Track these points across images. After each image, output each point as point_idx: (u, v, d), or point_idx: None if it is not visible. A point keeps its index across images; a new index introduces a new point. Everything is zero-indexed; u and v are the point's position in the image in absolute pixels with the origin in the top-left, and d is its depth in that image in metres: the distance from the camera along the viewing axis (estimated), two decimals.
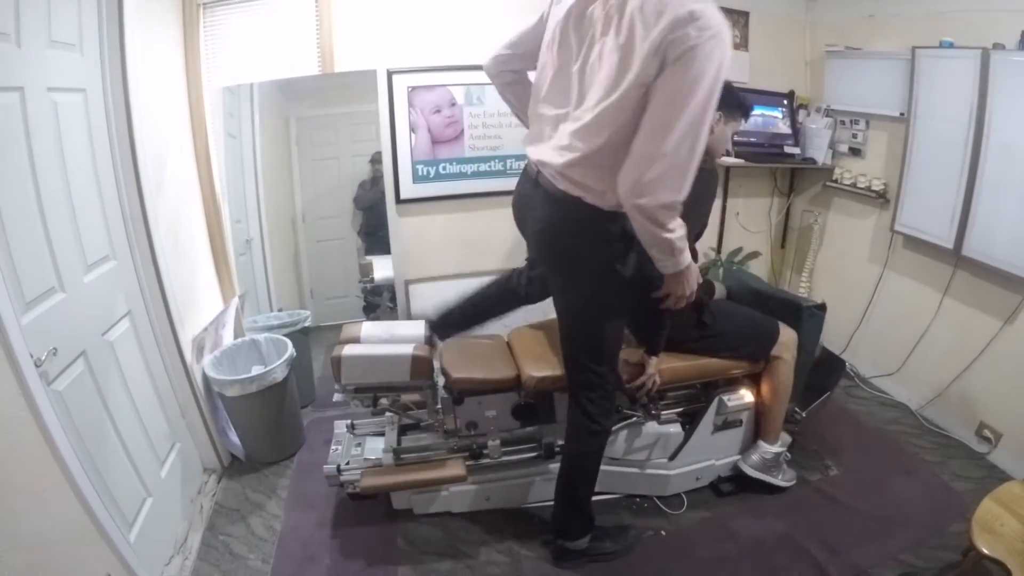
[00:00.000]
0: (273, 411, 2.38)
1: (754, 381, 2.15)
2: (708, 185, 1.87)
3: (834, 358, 2.46)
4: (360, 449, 2.13)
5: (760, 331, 2.04)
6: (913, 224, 2.68)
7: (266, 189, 3.23)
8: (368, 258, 3.34)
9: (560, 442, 2.08)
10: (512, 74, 1.77)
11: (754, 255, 3.30)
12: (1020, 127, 2.19)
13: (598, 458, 1.86)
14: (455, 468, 1.98)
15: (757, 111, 3.12)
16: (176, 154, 2.34)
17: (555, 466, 2.11)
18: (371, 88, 2.63)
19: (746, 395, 2.14)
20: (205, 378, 2.30)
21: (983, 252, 2.36)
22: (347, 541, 2.05)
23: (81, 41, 1.75)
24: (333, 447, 2.13)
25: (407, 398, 2.05)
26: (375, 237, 3.30)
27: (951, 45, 2.40)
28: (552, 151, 1.50)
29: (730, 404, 2.11)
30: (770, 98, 3.19)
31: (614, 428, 2.09)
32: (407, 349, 1.88)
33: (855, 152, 3.05)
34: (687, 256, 1.51)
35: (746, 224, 3.43)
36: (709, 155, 1.94)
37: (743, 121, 2.00)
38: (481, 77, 2.69)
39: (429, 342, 2.03)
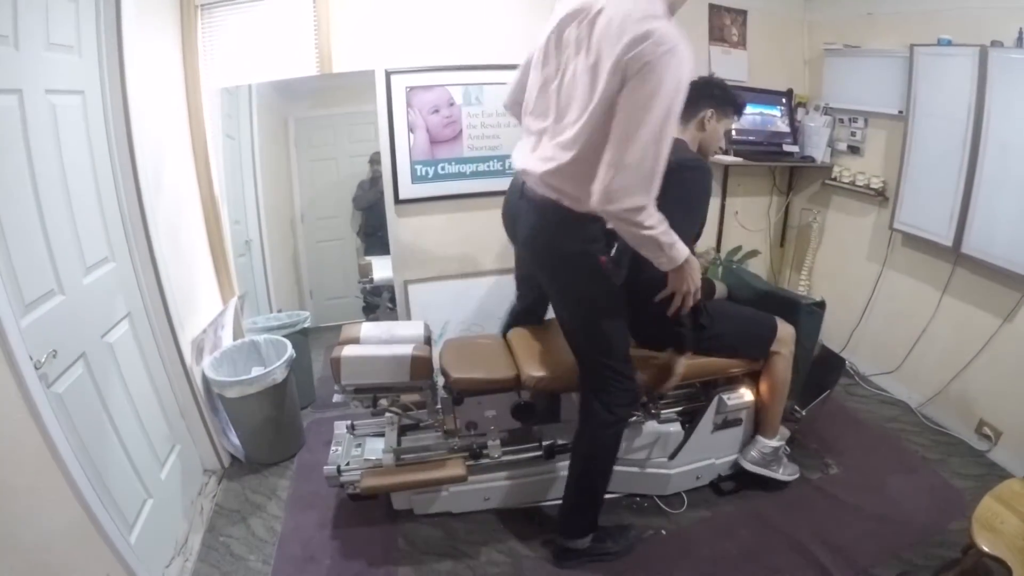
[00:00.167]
0: (273, 412, 2.38)
1: (753, 379, 2.15)
2: (703, 184, 1.87)
3: (834, 356, 2.46)
4: (360, 450, 2.13)
5: (758, 329, 2.04)
6: (912, 222, 2.68)
7: (265, 190, 3.23)
8: (367, 258, 3.34)
9: (561, 441, 2.09)
10: (520, 106, 1.86)
11: (753, 254, 3.30)
12: (1018, 124, 2.19)
13: (614, 452, 1.85)
14: (455, 468, 1.98)
15: (756, 110, 3.14)
16: (175, 155, 2.34)
17: (555, 465, 2.12)
18: (369, 88, 2.63)
19: (746, 394, 2.14)
20: (205, 379, 2.30)
21: (982, 250, 2.36)
22: (347, 542, 2.05)
23: (79, 43, 1.75)
24: (333, 448, 2.13)
25: (407, 398, 2.05)
26: (374, 237, 3.30)
27: (949, 43, 2.40)
28: (536, 161, 1.61)
29: (730, 403, 2.11)
30: (768, 96, 3.19)
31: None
32: (407, 349, 1.88)
33: (854, 150, 3.05)
34: (681, 248, 1.54)
35: (745, 223, 3.44)
36: (703, 153, 1.96)
37: (736, 118, 2.01)
38: (479, 77, 2.73)
39: (428, 342, 2.04)
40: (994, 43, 2.22)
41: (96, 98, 1.84)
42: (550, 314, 2.02)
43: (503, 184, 1.94)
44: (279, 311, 3.17)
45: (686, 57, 1.32)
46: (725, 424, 2.15)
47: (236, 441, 2.46)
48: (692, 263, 1.60)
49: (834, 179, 3.11)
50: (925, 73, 2.51)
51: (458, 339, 2.32)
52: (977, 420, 2.47)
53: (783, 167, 3.37)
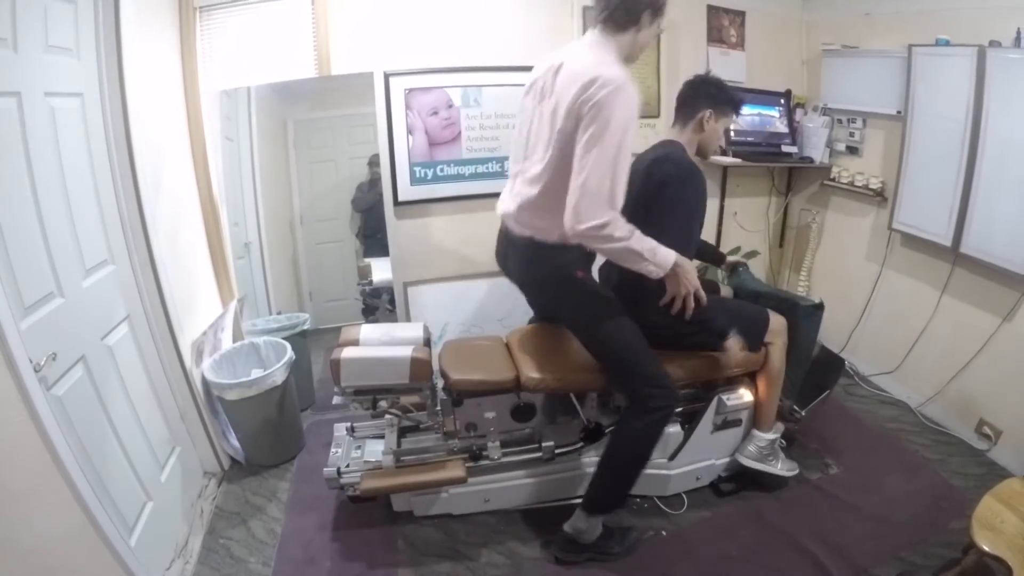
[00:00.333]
0: (273, 414, 2.38)
1: (752, 380, 2.15)
2: (696, 192, 1.88)
3: (833, 356, 2.46)
4: (360, 451, 2.13)
5: (752, 321, 2.04)
6: (911, 222, 2.69)
7: (264, 192, 3.23)
8: (366, 260, 3.34)
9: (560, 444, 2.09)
10: None
11: (752, 254, 3.30)
12: (1017, 124, 2.19)
13: (650, 447, 1.86)
14: (455, 470, 1.98)
15: (754, 110, 3.14)
16: (174, 158, 2.34)
17: (555, 467, 2.13)
18: (368, 90, 2.63)
19: (745, 394, 2.14)
20: (204, 382, 2.30)
21: (981, 249, 2.37)
22: (348, 543, 2.05)
23: (78, 46, 1.75)
24: (333, 450, 2.13)
25: (406, 400, 2.05)
26: (373, 239, 3.30)
27: (947, 43, 2.41)
28: (510, 200, 1.82)
29: (729, 403, 2.11)
30: (767, 97, 3.20)
31: (613, 428, 2.09)
32: (406, 351, 1.88)
33: (852, 150, 3.05)
34: (665, 253, 1.66)
35: (744, 223, 3.44)
36: (702, 152, 1.96)
37: (735, 116, 2.01)
38: (478, 79, 2.73)
39: (428, 344, 2.04)
40: (992, 43, 2.23)
41: (95, 100, 1.84)
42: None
43: (502, 186, 1.96)
44: (279, 313, 3.16)
45: (632, 94, 1.51)
46: (725, 425, 2.15)
47: (236, 443, 2.46)
48: (684, 265, 1.70)
49: (833, 179, 3.11)
50: (923, 73, 2.52)
51: (457, 341, 2.32)
52: (977, 419, 2.48)
53: (782, 168, 3.37)
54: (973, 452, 2.45)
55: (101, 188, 1.85)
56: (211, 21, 2.44)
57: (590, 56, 1.60)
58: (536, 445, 2.10)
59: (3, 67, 1.42)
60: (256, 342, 2.56)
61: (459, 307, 2.99)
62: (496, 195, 1.97)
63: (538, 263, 1.80)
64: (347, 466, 2.04)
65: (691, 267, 1.74)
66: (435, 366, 1.99)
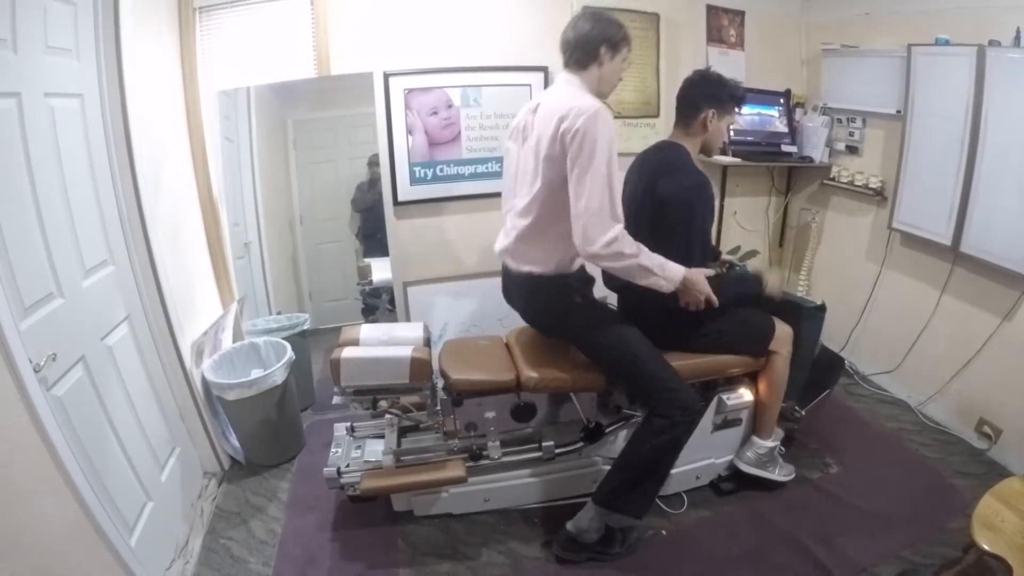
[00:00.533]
0: (273, 414, 2.38)
1: (753, 380, 2.16)
2: (707, 202, 1.88)
3: (833, 356, 2.46)
4: (360, 451, 2.13)
5: (757, 328, 2.05)
6: (911, 221, 2.69)
7: (263, 192, 3.23)
8: (366, 260, 3.34)
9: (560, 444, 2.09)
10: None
11: (752, 254, 3.29)
12: (1016, 123, 2.19)
13: (674, 453, 1.87)
14: (455, 470, 1.98)
15: (754, 110, 3.14)
16: (173, 158, 2.34)
17: (555, 467, 2.13)
18: (368, 90, 2.63)
19: (745, 394, 2.14)
20: (204, 382, 2.30)
21: (981, 248, 2.36)
22: (348, 543, 2.05)
23: (77, 46, 1.75)
24: (333, 450, 2.13)
25: (407, 400, 2.05)
26: (373, 239, 3.30)
27: (947, 42, 2.41)
28: (504, 236, 1.90)
29: (729, 403, 2.11)
30: (767, 97, 3.20)
31: (612, 428, 2.10)
32: (406, 351, 1.88)
33: (852, 150, 3.05)
34: (673, 268, 1.72)
35: (744, 223, 3.44)
36: (707, 151, 1.96)
37: (737, 111, 2.01)
38: (478, 79, 2.73)
39: (428, 344, 2.04)
40: (992, 42, 2.23)
41: (95, 101, 1.84)
42: None
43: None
44: (278, 313, 3.16)
45: (607, 117, 1.61)
46: (725, 424, 2.15)
47: (236, 443, 2.46)
48: (692, 277, 1.75)
49: (832, 179, 3.11)
50: (923, 73, 2.52)
51: (457, 340, 2.32)
52: (977, 419, 2.48)
53: (781, 167, 3.37)
54: (973, 451, 2.45)
55: (101, 188, 1.85)
56: (211, 21, 2.44)
57: (563, 93, 1.72)
58: (536, 445, 2.10)
59: (3, 68, 1.42)
60: (256, 342, 2.56)
61: (459, 307, 2.99)
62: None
63: (539, 296, 1.88)
64: (347, 466, 2.04)
65: (699, 277, 1.77)
66: (435, 366, 1.99)
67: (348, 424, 2.23)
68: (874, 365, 3.02)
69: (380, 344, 1.99)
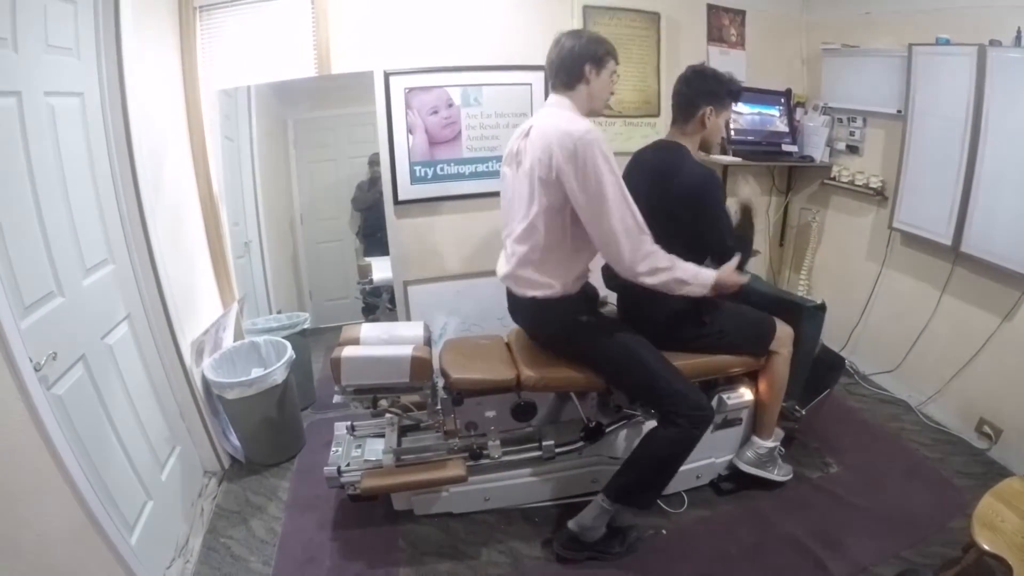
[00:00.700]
0: (273, 413, 2.38)
1: (753, 379, 2.16)
2: (717, 196, 1.89)
3: (833, 356, 2.46)
4: (360, 450, 2.13)
5: (758, 327, 2.05)
6: (911, 221, 2.69)
7: (264, 191, 3.23)
8: (367, 259, 3.35)
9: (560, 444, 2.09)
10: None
11: (752, 254, 3.30)
12: (1017, 123, 2.19)
13: (682, 456, 1.87)
14: (455, 469, 1.98)
15: (754, 109, 3.14)
16: (173, 157, 2.34)
17: (555, 466, 2.13)
18: (368, 90, 2.63)
19: (746, 393, 2.15)
20: (205, 381, 2.30)
21: (981, 248, 2.36)
22: (348, 543, 2.05)
23: (78, 45, 1.75)
24: (333, 449, 2.12)
25: (407, 399, 2.05)
26: (374, 238, 3.30)
27: (947, 42, 2.41)
28: (505, 261, 1.90)
29: (730, 402, 2.11)
30: (767, 96, 3.19)
31: (613, 427, 2.10)
32: (406, 350, 1.88)
33: (853, 150, 3.05)
34: (706, 275, 1.72)
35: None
36: (706, 147, 1.96)
37: (735, 105, 1.99)
38: (478, 78, 2.73)
39: (428, 343, 2.04)
40: (992, 42, 2.22)
41: (95, 100, 1.84)
42: None
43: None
44: (279, 312, 3.17)
45: (599, 136, 1.62)
46: (725, 423, 2.15)
47: (236, 442, 2.46)
48: (723, 279, 1.75)
49: (833, 178, 3.11)
50: (923, 72, 2.51)
51: (458, 339, 2.32)
52: (977, 418, 2.48)
53: (782, 167, 3.37)
54: (973, 451, 2.45)
55: (101, 187, 1.85)
56: (211, 20, 2.44)
57: (554, 116, 1.72)
58: (536, 444, 2.10)
59: (3, 67, 1.42)
60: (256, 341, 2.56)
61: (459, 306, 2.99)
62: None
63: (545, 319, 1.90)
64: (347, 465, 2.03)
65: (730, 277, 1.76)
66: (435, 365, 1.99)
67: (348, 423, 2.22)
68: (874, 365, 3.02)
69: (380, 343, 1.99)
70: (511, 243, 1.84)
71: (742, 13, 3.14)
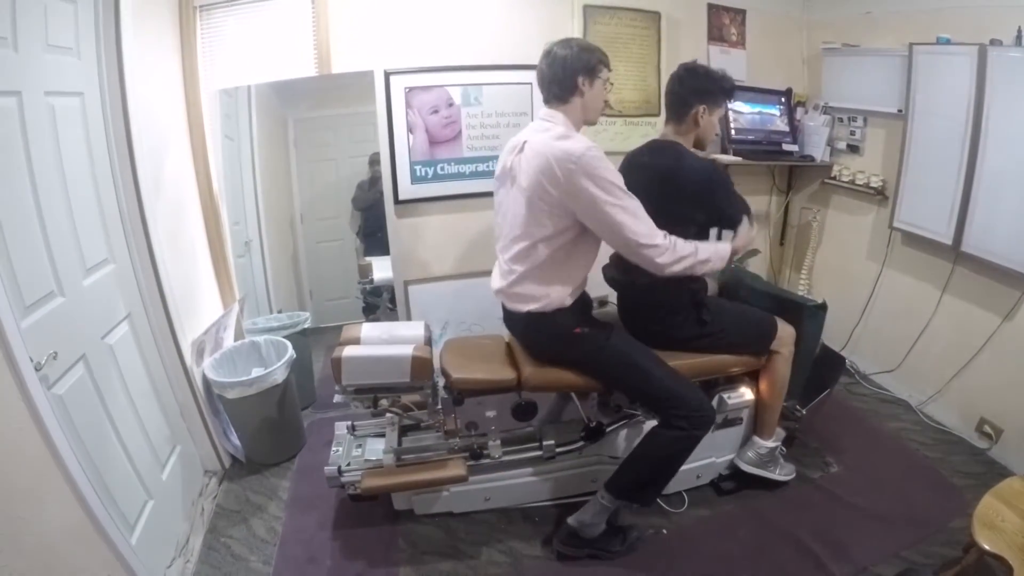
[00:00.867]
0: (273, 413, 2.38)
1: (753, 379, 2.15)
2: (724, 179, 1.90)
3: (834, 355, 2.46)
4: (361, 450, 2.13)
5: (759, 327, 2.05)
6: (912, 220, 2.68)
7: (264, 191, 3.23)
8: (367, 259, 3.34)
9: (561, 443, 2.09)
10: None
11: (753, 253, 3.29)
12: (1018, 123, 2.18)
13: (682, 457, 1.87)
14: (456, 468, 1.98)
15: (755, 109, 3.14)
16: (174, 156, 2.34)
17: (555, 465, 2.13)
18: (368, 89, 2.63)
19: (746, 393, 2.15)
20: (205, 380, 2.30)
21: (982, 248, 2.36)
22: (348, 542, 2.05)
23: (78, 45, 1.75)
24: (334, 448, 2.13)
25: (407, 399, 2.05)
26: (374, 238, 3.30)
27: (948, 41, 2.40)
28: (500, 277, 1.89)
29: (730, 402, 2.11)
30: (768, 96, 3.19)
31: (613, 427, 2.10)
32: (407, 350, 1.88)
33: (853, 149, 3.05)
34: (723, 248, 1.81)
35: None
36: (700, 144, 1.96)
37: (727, 103, 1.99)
38: (479, 77, 2.73)
39: (428, 343, 2.04)
40: (993, 42, 2.22)
41: (95, 99, 1.84)
42: None
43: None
44: (279, 312, 3.17)
45: (594, 154, 1.60)
46: (725, 423, 2.15)
47: (236, 442, 2.46)
48: (738, 246, 1.86)
49: (834, 178, 3.11)
50: (924, 72, 2.51)
51: (458, 339, 2.32)
52: (978, 418, 2.47)
53: (782, 166, 3.37)
54: (974, 451, 2.45)
55: (101, 187, 1.85)
56: (211, 20, 2.44)
57: (548, 134, 1.69)
58: (537, 444, 2.10)
59: (3, 66, 1.42)
60: (257, 341, 2.56)
61: (460, 306, 2.99)
62: None
63: (540, 333, 1.89)
64: (348, 465, 2.04)
65: (741, 240, 1.87)
66: (436, 365, 1.99)
67: (349, 423, 2.23)
68: (875, 364, 3.02)
69: (381, 343, 1.99)
70: (508, 261, 1.82)
71: (742, 12, 3.14)
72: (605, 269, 2.08)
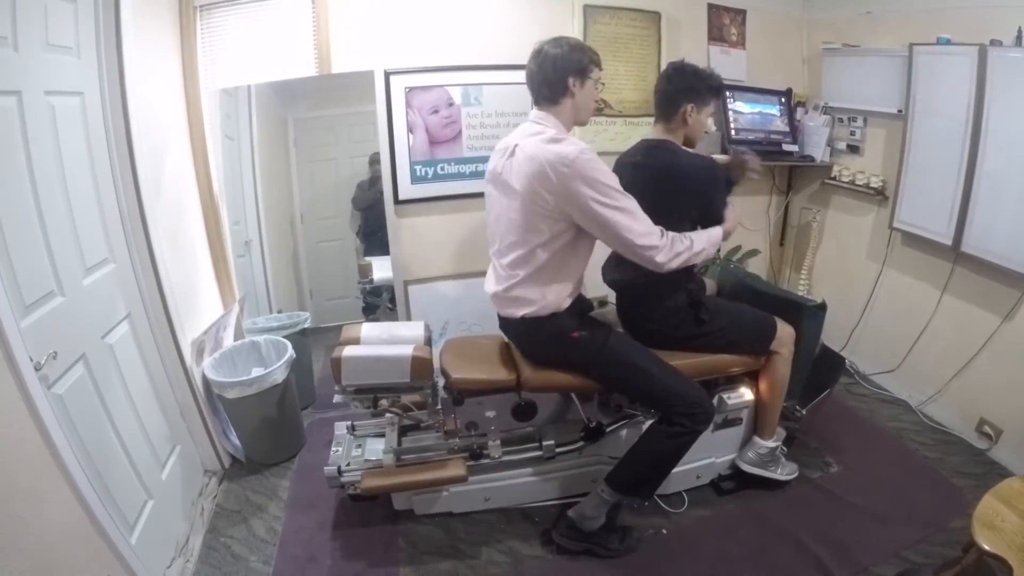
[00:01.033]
0: (273, 413, 2.38)
1: (753, 379, 2.15)
2: (714, 175, 1.90)
3: (834, 355, 2.46)
4: (361, 450, 2.13)
5: (758, 326, 2.04)
6: (912, 221, 2.69)
7: (264, 190, 3.23)
8: (367, 259, 3.34)
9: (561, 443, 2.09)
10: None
11: (753, 253, 3.30)
12: (1018, 123, 2.18)
13: (679, 454, 1.87)
14: (455, 468, 1.98)
15: (755, 108, 3.14)
16: (174, 156, 2.34)
17: (555, 466, 2.13)
18: (369, 89, 2.63)
19: (746, 393, 2.15)
20: (205, 380, 2.30)
21: (982, 248, 2.36)
22: (348, 542, 2.05)
23: (78, 44, 1.75)
24: (334, 448, 2.13)
25: (407, 399, 2.05)
26: (374, 238, 3.30)
27: (948, 42, 2.40)
28: (493, 282, 1.89)
29: (730, 402, 2.11)
30: (768, 96, 3.19)
31: (613, 427, 2.10)
32: (407, 350, 1.88)
33: (853, 149, 3.05)
34: (715, 234, 1.86)
35: (744, 222, 3.43)
36: (689, 142, 1.96)
37: (715, 101, 1.99)
38: (479, 77, 2.73)
39: (428, 343, 2.04)
40: (993, 42, 2.22)
41: (95, 99, 1.84)
42: None
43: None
44: (279, 311, 3.17)
45: (587, 157, 1.59)
46: (725, 423, 2.15)
47: (236, 442, 2.46)
48: (728, 228, 1.91)
49: (834, 178, 3.11)
50: (924, 72, 2.51)
51: (458, 339, 2.32)
52: (977, 418, 2.48)
53: (782, 166, 3.37)
54: (973, 451, 2.45)
55: (101, 186, 1.85)
56: (211, 20, 2.44)
57: (539, 137, 1.67)
58: (537, 444, 2.10)
59: (3, 66, 1.42)
60: (256, 340, 2.56)
61: (460, 306, 2.99)
62: None
63: (536, 337, 1.89)
64: (348, 465, 2.04)
65: (731, 222, 1.92)
66: (436, 365, 1.99)
67: (349, 423, 2.23)
68: (875, 365, 3.02)
69: (381, 343, 1.99)
70: (505, 267, 1.81)
71: (743, 12, 3.14)
72: (604, 270, 2.08)
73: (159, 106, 2.22)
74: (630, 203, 1.65)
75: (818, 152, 3.14)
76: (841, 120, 3.07)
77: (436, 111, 2.72)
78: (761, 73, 3.20)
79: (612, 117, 2.96)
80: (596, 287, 2.08)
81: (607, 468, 1.95)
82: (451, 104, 2.73)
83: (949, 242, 2.48)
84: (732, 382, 2.17)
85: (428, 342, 2.05)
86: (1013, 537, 1.48)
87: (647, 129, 2.99)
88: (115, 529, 1.57)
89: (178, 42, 2.38)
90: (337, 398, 1.97)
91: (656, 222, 1.69)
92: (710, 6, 3.07)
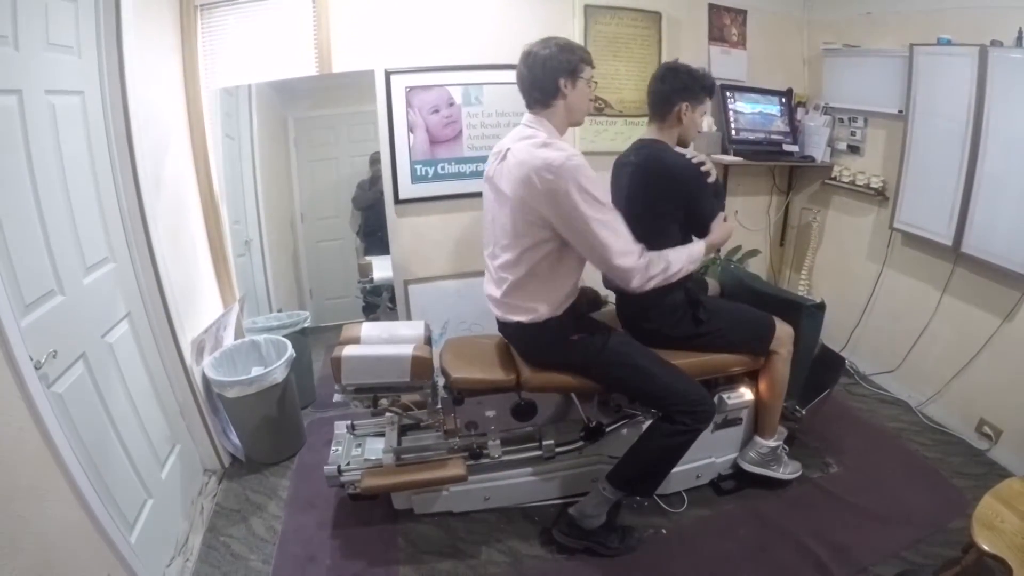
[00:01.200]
0: (273, 412, 2.38)
1: (753, 378, 2.16)
2: (699, 176, 1.88)
3: (833, 355, 2.46)
4: (360, 449, 2.13)
5: (757, 326, 2.04)
6: (912, 221, 2.68)
7: (265, 190, 3.23)
8: (367, 258, 3.35)
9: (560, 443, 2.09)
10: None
11: (753, 253, 3.30)
12: (1018, 124, 2.18)
13: (680, 452, 1.87)
14: (455, 468, 1.98)
15: (755, 108, 3.14)
16: (174, 155, 2.34)
17: (555, 465, 2.13)
18: (369, 88, 2.63)
19: (746, 393, 2.15)
20: (205, 379, 2.30)
21: (982, 249, 2.36)
22: (348, 541, 2.05)
23: (79, 44, 1.75)
24: (333, 448, 2.13)
25: (407, 398, 2.05)
26: (374, 237, 3.30)
27: (949, 42, 2.40)
28: (491, 284, 1.89)
29: (730, 402, 2.11)
30: (768, 96, 3.19)
31: (613, 427, 2.10)
32: (407, 349, 1.88)
33: (854, 150, 3.05)
34: (697, 250, 1.82)
35: (745, 222, 3.43)
36: (683, 142, 1.97)
37: (709, 100, 1.99)
38: (479, 77, 2.73)
39: (428, 342, 2.04)
40: (994, 43, 2.22)
41: (96, 98, 1.84)
42: None
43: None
44: (279, 311, 3.17)
45: (575, 163, 1.57)
46: (725, 423, 2.15)
47: (236, 441, 2.46)
48: (713, 241, 1.88)
49: (834, 178, 3.11)
50: (925, 73, 2.51)
51: (458, 339, 2.32)
52: (977, 419, 2.48)
53: (783, 166, 3.37)
54: (973, 452, 2.45)
55: (102, 186, 1.85)
56: (212, 19, 2.44)
57: (530, 141, 1.66)
58: (536, 443, 2.10)
59: (4, 65, 1.42)
60: (256, 340, 2.56)
61: (460, 305, 2.99)
62: None
63: (534, 343, 1.89)
64: (347, 464, 2.04)
65: (718, 236, 1.88)
66: (436, 364, 1.99)
67: (349, 422, 2.23)
68: (875, 365, 3.02)
69: (381, 342, 1.99)
70: (497, 269, 1.83)
71: (743, 12, 3.14)
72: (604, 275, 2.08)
73: (159, 105, 2.22)
74: (613, 217, 1.64)
75: (818, 152, 3.14)
76: (841, 120, 3.07)
77: (436, 111, 2.72)
78: (762, 73, 3.20)
79: (612, 117, 2.96)
80: (596, 287, 2.08)
81: (607, 468, 1.96)
82: (451, 104, 2.73)
83: (949, 243, 2.48)
84: (732, 382, 2.17)
85: (428, 341, 2.05)
86: (1013, 538, 1.48)
87: (646, 129, 3.01)
88: (115, 528, 1.57)
89: (179, 41, 2.38)
90: (337, 397, 1.97)
91: (646, 223, 1.70)
92: (711, 6, 3.07)
